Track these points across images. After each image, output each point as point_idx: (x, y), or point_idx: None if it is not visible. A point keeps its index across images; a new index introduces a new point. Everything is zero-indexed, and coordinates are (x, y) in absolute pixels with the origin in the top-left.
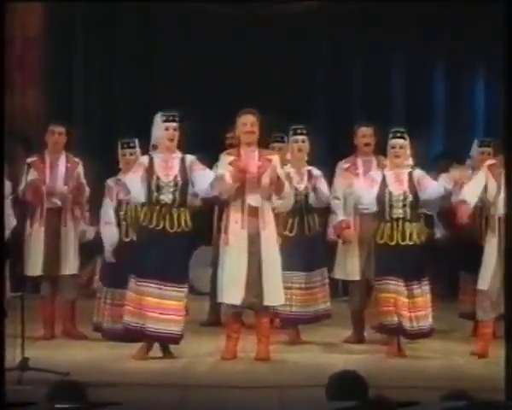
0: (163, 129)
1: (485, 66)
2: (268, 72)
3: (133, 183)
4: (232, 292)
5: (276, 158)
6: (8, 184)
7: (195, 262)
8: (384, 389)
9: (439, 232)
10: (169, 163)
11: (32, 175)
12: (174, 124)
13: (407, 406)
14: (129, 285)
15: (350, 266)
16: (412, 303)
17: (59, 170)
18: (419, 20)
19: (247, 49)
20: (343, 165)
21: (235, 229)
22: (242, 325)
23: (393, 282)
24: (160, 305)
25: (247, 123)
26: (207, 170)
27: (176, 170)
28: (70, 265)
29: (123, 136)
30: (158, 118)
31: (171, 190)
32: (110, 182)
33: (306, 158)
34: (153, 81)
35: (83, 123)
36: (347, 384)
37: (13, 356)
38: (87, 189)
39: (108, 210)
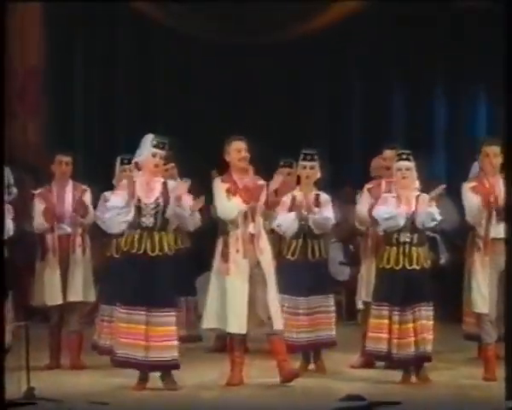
0: (150, 154)
1: (485, 87)
2: (268, 98)
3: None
4: (237, 322)
5: (263, 183)
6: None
7: (200, 288)
8: None
9: (443, 257)
10: (150, 185)
11: (40, 206)
12: (163, 152)
13: None
14: (115, 314)
15: (365, 288)
16: (412, 328)
17: (66, 198)
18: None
19: (247, 73)
20: (368, 185)
21: (236, 258)
22: (246, 351)
23: (391, 307)
24: (149, 332)
25: (241, 149)
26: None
27: (157, 192)
28: (77, 292)
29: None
30: (148, 140)
31: (153, 213)
32: (108, 194)
33: (318, 176)
34: (152, 107)
35: (85, 149)
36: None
37: (18, 386)
38: (92, 215)
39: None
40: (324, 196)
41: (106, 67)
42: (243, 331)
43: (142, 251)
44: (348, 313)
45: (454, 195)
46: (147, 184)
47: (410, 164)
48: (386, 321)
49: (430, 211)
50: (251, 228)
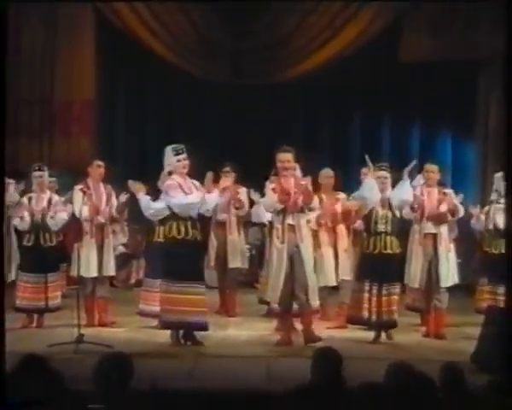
0: (175, 161)
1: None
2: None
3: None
4: (272, 294)
5: (308, 180)
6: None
7: None
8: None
9: None
10: (188, 183)
11: (79, 197)
12: (184, 155)
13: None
14: (166, 288)
15: (344, 269)
16: (384, 301)
17: (101, 195)
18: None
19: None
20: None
21: (276, 243)
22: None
23: (371, 284)
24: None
25: (284, 160)
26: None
27: (193, 189)
28: (109, 268)
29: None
30: (169, 151)
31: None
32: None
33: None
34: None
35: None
36: (324, 355)
37: (71, 333)
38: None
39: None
40: None
41: (139, 100)
42: (275, 302)
43: (192, 237)
44: None
45: None
46: (184, 184)
47: (388, 174)
48: (366, 294)
49: (401, 187)
50: (290, 220)
